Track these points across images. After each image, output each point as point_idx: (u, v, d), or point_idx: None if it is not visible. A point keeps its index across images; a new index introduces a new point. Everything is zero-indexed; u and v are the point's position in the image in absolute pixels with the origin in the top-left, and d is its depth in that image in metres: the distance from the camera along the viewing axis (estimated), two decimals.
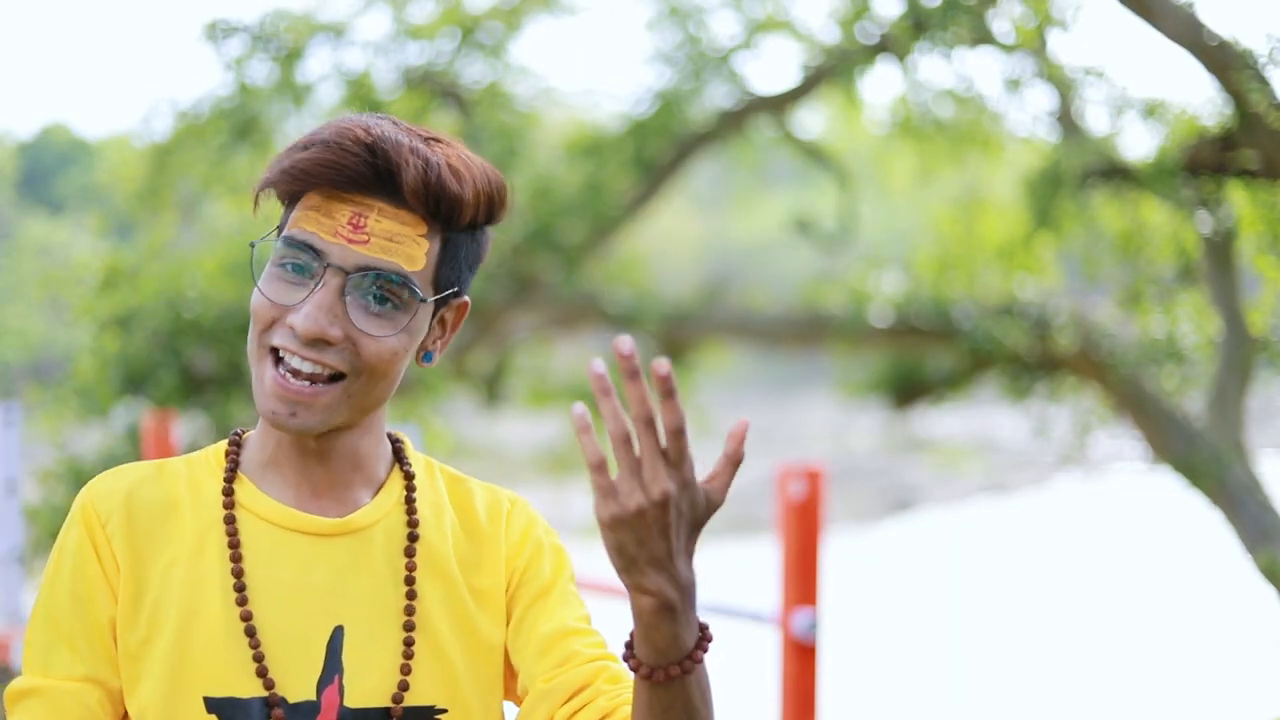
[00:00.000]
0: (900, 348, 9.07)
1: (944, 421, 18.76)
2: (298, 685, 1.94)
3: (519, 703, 2.05)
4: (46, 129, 44.67)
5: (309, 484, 2.00)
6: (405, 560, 2.00)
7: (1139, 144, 8.84)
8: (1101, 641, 14.13)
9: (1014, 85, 9.30)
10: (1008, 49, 9.00)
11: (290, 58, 7.58)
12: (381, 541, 2.01)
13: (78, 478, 8.09)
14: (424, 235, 1.92)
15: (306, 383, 1.90)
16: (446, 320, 2.00)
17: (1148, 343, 9.18)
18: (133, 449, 7.90)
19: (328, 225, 1.89)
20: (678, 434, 1.69)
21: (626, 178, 7.87)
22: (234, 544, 1.96)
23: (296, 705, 1.93)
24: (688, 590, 1.76)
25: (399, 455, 2.06)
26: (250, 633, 1.93)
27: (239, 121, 7.88)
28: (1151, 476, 10.42)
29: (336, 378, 1.91)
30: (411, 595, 1.99)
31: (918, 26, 7.57)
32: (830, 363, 10.10)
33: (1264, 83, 6.84)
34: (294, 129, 7.81)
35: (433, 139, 1.94)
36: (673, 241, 30.72)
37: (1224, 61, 6.87)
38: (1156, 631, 14.51)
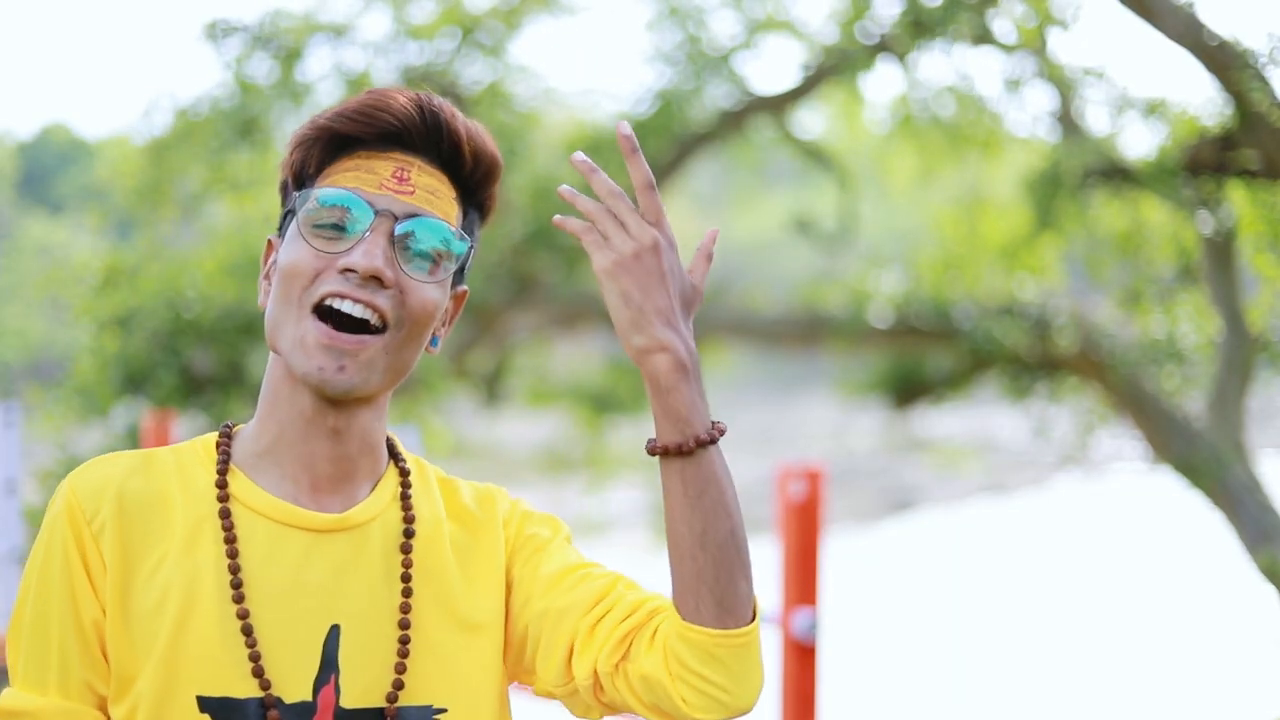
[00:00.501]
0: (900, 348, 9.07)
1: (944, 422, 18.73)
2: (294, 685, 1.90)
3: (528, 680, 2.03)
4: (46, 129, 44.69)
5: (310, 475, 1.96)
6: (402, 557, 1.97)
7: (1139, 144, 8.85)
8: (1101, 641, 14.13)
9: (1014, 85, 9.30)
10: (1008, 49, 9.00)
11: (290, 57, 7.58)
12: (378, 538, 1.97)
13: None
14: (455, 199, 1.97)
15: (352, 334, 1.89)
16: (449, 306, 2.02)
17: (1148, 343, 9.18)
18: (133, 449, 7.88)
19: (371, 180, 1.92)
20: (648, 188, 1.87)
21: (626, 178, 7.87)
22: (230, 539, 1.92)
23: (292, 706, 1.89)
24: (695, 356, 1.87)
25: (393, 452, 2.05)
26: (247, 632, 1.88)
27: (239, 121, 7.88)
28: (1151, 476, 10.42)
29: (379, 330, 1.90)
30: (408, 594, 1.96)
31: (918, 26, 7.57)
32: (830, 363, 10.09)
33: (1264, 82, 6.84)
34: (293, 128, 7.82)
35: (452, 108, 1.99)
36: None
37: (1224, 61, 6.87)
38: (1156, 631, 14.51)
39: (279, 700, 1.89)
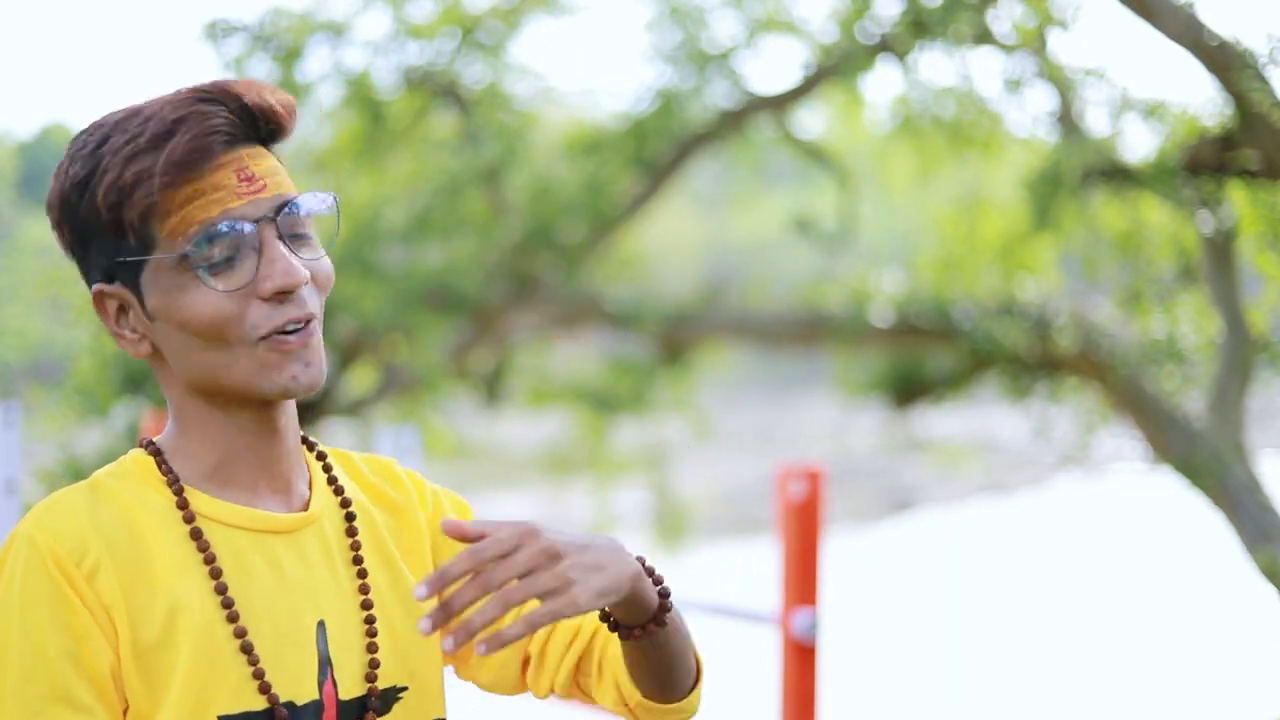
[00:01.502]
0: (900, 348, 9.07)
1: (944, 421, 18.72)
2: (302, 686, 1.91)
3: (465, 669, 2.13)
4: (46, 129, 44.64)
5: (265, 479, 1.96)
6: (349, 541, 2.00)
7: (1140, 144, 8.83)
8: (1102, 641, 14.13)
9: (1014, 85, 9.29)
10: (1009, 49, 8.99)
11: (290, 57, 7.58)
12: (330, 528, 1.99)
13: (78, 477, 8.07)
14: (278, 160, 1.92)
15: (303, 331, 1.89)
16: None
17: (1148, 343, 9.18)
18: (133, 448, 7.88)
19: (225, 196, 1.85)
20: (468, 535, 1.78)
21: (626, 177, 7.87)
22: (209, 559, 1.89)
23: (305, 706, 1.90)
24: (627, 555, 1.87)
25: (305, 440, 2.05)
26: (247, 649, 1.87)
27: None
28: (1152, 476, 10.40)
29: (311, 321, 1.90)
30: (363, 574, 1.98)
31: (918, 25, 7.56)
32: (830, 362, 10.10)
33: (1264, 82, 6.84)
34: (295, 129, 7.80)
35: (219, 80, 1.91)
36: (673, 241, 30.72)
37: (1224, 61, 6.87)
38: (1157, 631, 14.51)
39: (290, 703, 1.88)
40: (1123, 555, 19.71)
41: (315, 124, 8.17)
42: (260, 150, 1.89)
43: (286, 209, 1.88)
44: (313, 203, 1.92)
